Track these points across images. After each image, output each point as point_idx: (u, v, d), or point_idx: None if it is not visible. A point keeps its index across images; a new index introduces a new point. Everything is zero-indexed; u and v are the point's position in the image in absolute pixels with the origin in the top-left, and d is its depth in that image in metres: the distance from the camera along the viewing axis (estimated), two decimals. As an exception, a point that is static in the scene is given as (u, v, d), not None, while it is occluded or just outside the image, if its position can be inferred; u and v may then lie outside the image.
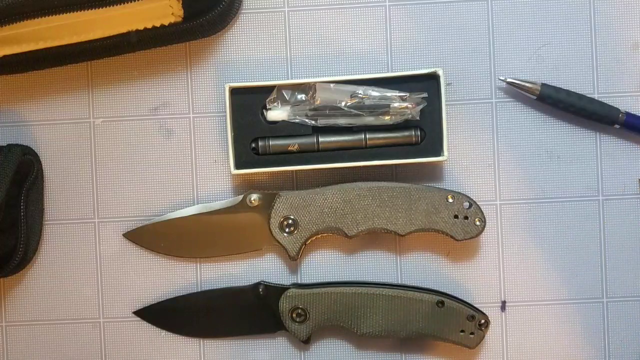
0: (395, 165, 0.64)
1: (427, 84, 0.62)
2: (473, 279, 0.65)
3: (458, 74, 0.65)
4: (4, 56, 0.60)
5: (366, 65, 0.65)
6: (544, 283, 0.65)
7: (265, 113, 0.63)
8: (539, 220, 0.65)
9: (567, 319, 0.65)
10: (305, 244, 0.64)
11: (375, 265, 0.65)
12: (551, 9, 0.65)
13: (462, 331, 0.63)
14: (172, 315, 0.65)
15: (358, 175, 0.64)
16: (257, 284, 0.64)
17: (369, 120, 0.62)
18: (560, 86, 0.63)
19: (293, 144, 0.63)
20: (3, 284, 0.66)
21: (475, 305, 0.64)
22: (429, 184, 0.64)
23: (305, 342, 0.64)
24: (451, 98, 0.64)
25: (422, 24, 0.65)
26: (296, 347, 0.66)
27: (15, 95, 0.66)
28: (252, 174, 0.65)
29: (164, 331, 0.66)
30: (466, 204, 0.62)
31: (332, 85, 0.62)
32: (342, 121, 0.62)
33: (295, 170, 0.65)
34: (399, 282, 0.65)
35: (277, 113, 0.63)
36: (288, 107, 0.63)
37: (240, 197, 0.64)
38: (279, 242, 0.63)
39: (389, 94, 0.62)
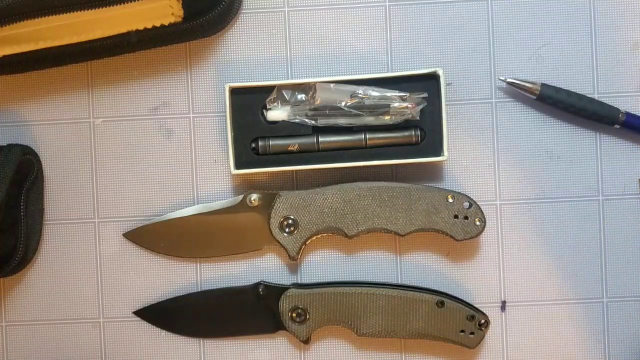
0: (395, 165, 0.64)
1: (427, 84, 0.62)
2: (473, 279, 0.65)
3: (458, 74, 0.65)
4: (4, 56, 0.60)
5: (366, 65, 0.65)
6: (544, 283, 0.65)
7: (265, 113, 0.63)
8: (539, 220, 0.65)
9: (567, 319, 0.65)
10: (305, 244, 0.64)
11: (375, 265, 0.65)
12: (551, 9, 0.65)
13: (462, 331, 0.63)
14: (172, 315, 0.65)
15: (358, 175, 0.64)
16: (257, 284, 0.64)
17: (369, 120, 0.62)
18: (560, 86, 0.63)
19: (293, 144, 0.63)
20: (3, 284, 0.66)
21: (475, 305, 0.64)
22: (429, 184, 0.64)
23: (305, 342, 0.64)
24: (451, 98, 0.64)
25: (422, 24, 0.65)
26: (296, 347, 0.66)
27: (15, 95, 0.66)
28: (252, 174, 0.65)
29: (164, 331, 0.66)
30: (466, 204, 0.62)
31: (332, 85, 0.62)
32: (342, 121, 0.62)
33: (295, 170, 0.65)
34: (399, 282, 0.65)
35: (277, 113, 0.63)
36: (288, 107, 0.63)
37: (240, 197, 0.64)
38: (279, 242, 0.63)
39: (389, 94, 0.62)
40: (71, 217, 0.66)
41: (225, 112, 0.63)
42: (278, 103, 0.63)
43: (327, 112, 0.62)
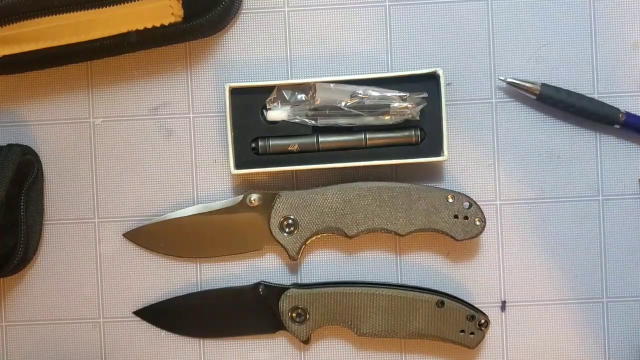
0: (395, 165, 0.64)
1: (427, 84, 0.62)
2: (473, 279, 0.65)
3: (458, 74, 0.65)
4: (4, 56, 0.60)
5: (366, 65, 0.65)
6: (544, 283, 0.65)
7: (265, 113, 0.63)
8: (539, 220, 0.65)
9: (567, 319, 0.65)
10: (305, 244, 0.64)
11: (375, 265, 0.65)
12: (551, 9, 0.65)
13: (462, 331, 0.63)
14: (172, 315, 0.65)
15: (358, 175, 0.64)
16: (257, 284, 0.64)
17: (369, 120, 0.62)
18: (560, 86, 0.63)
19: (293, 144, 0.63)
20: (3, 284, 0.66)
21: (475, 305, 0.64)
22: (429, 184, 0.64)
23: (305, 342, 0.64)
24: (451, 98, 0.64)
25: (422, 24, 0.65)
26: (296, 347, 0.66)
27: (15, 95, 0.66)
28: (252, 174, 0.65)
29: (164, 331, 0.66)
30: (466, 204, 0.62)
31: (332, 85, 0.62)
32: (342, 121, 0.62)
33: (295, 170, 0.65)
34: (399, 282, 0.65)
35: (277, 113, 0.63)
36: (288, 107, 0.63)
37: (240, 197, 0.64)
38: (279, 242, 0.63)
39: (389, 94, 0.62)
40: (71, 217, 0.66)
41: (225, 112, 0.63)
42: (278, 103, 0.63)
43: (327, 112, 0.62)
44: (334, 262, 0.66)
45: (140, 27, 0.60)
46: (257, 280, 0.65)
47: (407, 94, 0.62)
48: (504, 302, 0.65)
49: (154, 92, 0.66)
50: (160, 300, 0.66)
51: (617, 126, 0.64)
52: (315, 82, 0.62)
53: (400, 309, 0.63)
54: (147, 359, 0.66)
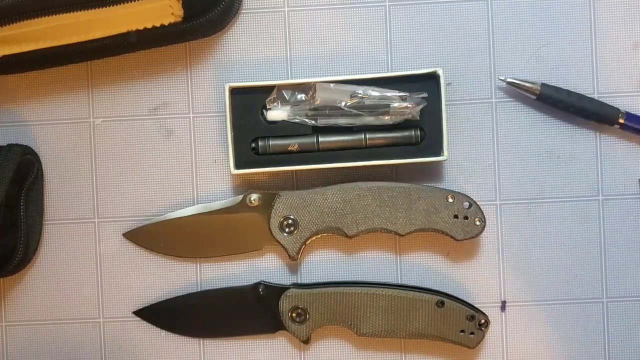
0: (395, 165, 0.64)
1: (427, 84, 0.62)
2: (473, 279, 0.65)
3: (458, 74, 0.65)
4: (4, 56, 0.60)
5: (366, 65, 0.65)
6: (544, 283, 0.65)
7: (265, 113, 0.63)
8: (539, 220, 0.65)
9: (567, 319, 0.65)
10: (305, 244, 0.64)
11: (375, 265, 0.65)
12: (551, 9, 0.65)
13: (462, 331, 0.63)
14: (172, 315, 0.65)
15: (358, 175, 0.64)
16: (257, 284, 0.64)
17: (369, 120, 0.62)
18: (560, 86, 0.63)
19: (293, 144, 0.63)
20: (3, 284, 0.66)
21: (475, 305, 0.64)
22: (429, 184, 0.64)
23: (305, 342, 0.64)
24: (451, 98, 0.64)
25: (422, 24, 0.65)
26: (296, 347, 0.66)
27: (15, 95, 0.66)
28: (252, 174, 0.65)
29: (164, 331, 0.66)
30: (466, 204, 0.62)
31: (332, 85, 0.62)
32: (342, 121, 0.62)
33: (295, 170, 0.65)
34: (399, 282, 0.65)
35: (277, 113, 0.63)
36: (288, 107, 0.63)
37: (240, 197, 0.64)
38: (279, 242, 0.63)
39: (389, 94, 0.62)
40: (71, 217, 0.66)
41: (225, 112, 0.63)
42: (278, 103, 0.63)
43: (327, 112, 0.62)
44: (334, 262, 0.66)
45: (140, 27, 0.60)
46: (257, 280, 0.65)
47: (407, 94, 0.62)
48: (504, 302, 0.65)
49: (154, 92, 0.66)
50: (160, 300, 0.66)
51: (617, 126, 0.64)
52: (315, 82, 0.62)
53: (400, 309, 0.63)
54: (147, 359, 0.66)
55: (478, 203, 0.62)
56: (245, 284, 0.65)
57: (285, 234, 0.63)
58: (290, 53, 0.65)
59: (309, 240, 0.64)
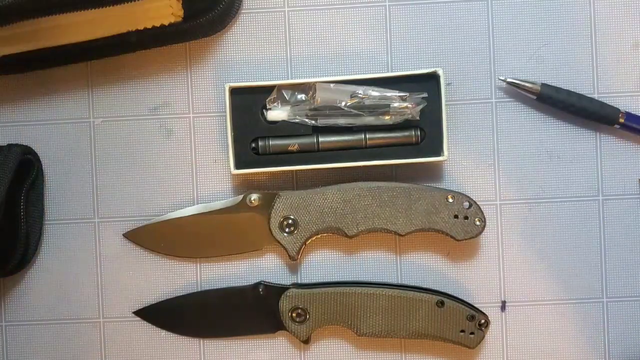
0: (395, 165, 0.64)
1: (427, 84, 0.62)
2: (473, 279, 0.65)
3: (458, 74, 0.65)
4: (4, 56, 0.60)
5: (366, 65, 0.65)
6: (544, 283, 0.65)
7: (265, 113, 0.63)
8: (539, 220, 0.65)
9: (567, 319, 0.65)
10: (305, 244, 0.64)
11: (375, 265, 0.65)
12: (551, 9, 0.65)
13: (462, 331, 0.63)
14: (172, 315, 0.65)
15: (358, 175, 0.64)
16: (257, 284, 0.64)
17: (369, 120, 0.62)
18: (560, 86, 0.63)
19: (293, 144, 0.63)
20: (3, 284, 0.66)
21: (475, 305, 0.64)
22: (429, 184, 0.64)
23: (305, 342, 0.64)
24: (451, 98, 0.64)
25: (422, 24, 0.65)
26: (296, 347, 0.66)
27: (15, 95, 0.66)
28: (252, 174, 0.65)
29: (164, 331, 0.66)
30: (466, 204, 0.62)
31: (332, 85, 0.62)
32: (342, 121, 0.62)
33: (295, 170, 0.65)
34: (399, 282, 0.65)
35: (277, 113, 0.63)
36: (288, 107, 0.63)
37: (240, 197, 0.64)
38: (279, 242, 0.63)
39: (389, 94, 0.62)
40: (71, 217, 0.66)
41: (225, 112, 0.63)
42: (278, 103, 0.63)
43: (327, 112, 0.62)
44: (334, 262, 0.66)
45: (140, 27, 0.60)
46: (257, 280, 0.65)
47: (407, 94, 0.62)
48: (504, 302, 0.65)
49: (154, 92, 0.66)
50: (160, 300, 0.66)
51: (617, 126, 0.64)
52: (315, 82, 0.62)
53: (400, 309, 0.63)
54: (147, 359, 0.66)
55: (478, 203, 0.62)
56: (245, 284, 0.65)
57: (285, 234, 0.63)
58: (290, 53, 0.65)
59: (309, 240, 0.64)
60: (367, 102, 0.62)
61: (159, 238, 0.65)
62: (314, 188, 0.63)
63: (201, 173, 0.66)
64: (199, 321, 0.65)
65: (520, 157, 0.65)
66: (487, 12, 0.65)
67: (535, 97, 0.63)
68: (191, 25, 0.62)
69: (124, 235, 0.66)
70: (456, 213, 0.62)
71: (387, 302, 0.63)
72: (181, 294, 0.65)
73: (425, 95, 0.62)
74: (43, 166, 0.66)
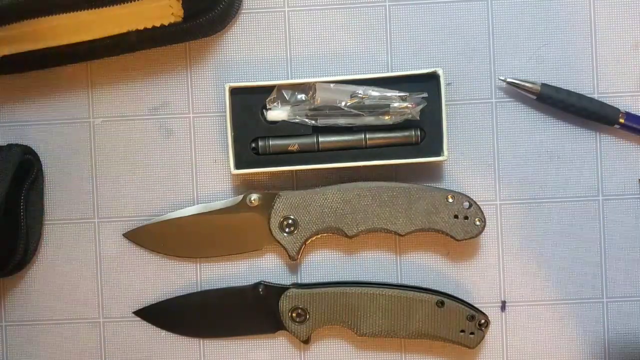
0: (395, 165, 0.64)
1: (427, 84, 0.62)
2: (473, 279, 0.65)
3: (458, 74, 0.65)
4: (4, 56, 0.60)
5: (366, 65, 0.65)
6: (544, 283, 0.65)
7: (265, 113, 0.63)
8: (539, 220, 0.65)
9: (567, 319, 0.65)
10: (305, 244, 0.64)
11: (375, 265, 0.65)
12: (551, 9, 0.65)
13: (462, 331, 0.63)
14: (172, 315, 0.65)
15: (358, 175, 0.64)
16: (257, 284, 0.64)
17: (369, 120, 0.62)
18: (560, 86, 0.63)
19: (293, 144, 0.63)
20: (3, 284, 0.66)
21: (475, 305, 0.64)
22: (429, 184, 0.64)
23: (305, 342, 0.64)
24: (451, 98, 0.64)
25: (422, 24, 0.65)
26: (296, 347, 0.66)
27: (15, 95, 0.66)
28: (252, 174, 0.65)
29: (164, 331, 0.66)
30: (466, 204, 0.62)
31: (332, 85, 0.62)
32: (342, 121, 0.62)
33: (295, 170, 0.65)
34: (399, 282, 0.65)
35: (277, 113, 0.63)
36: (288, 107, 0.63)
37: (240, 197, 0.64)
38: (279, 242, 0.63)
39: (389, 94, 0.62)
40: (71, 217, 0.66)
41: (225, 112, 0.63)
42: (278, 103, 0.63)
43: (327, 112, 0.62)
44: (334, 262, 0.66)
45: (140, 27, 0.60)
46: (257, 280, 0.65)
47: (407, 94, 0.62)
48: (504, 302, 0.65)
49: (154, 92, 0.66)
50: (160, 300, 0.66)
51: (617, 126, 0.64)
52: (315, 82, 0.62)
53: (400, 309, 0.63)
54: (147, 359, 0.66)
55: (478, 203, 0.62)
56: (245, 284, 0.65)
57: (285, 234, 0.63)
58: (290, 53, 0.65)
59: (309, 240, 0.64)
60: (367, 102, 0.62)
61: (159, 238, 0.65)
62: (314, 188, 0.63)
63: (201, 173, 0.66)
64: (199, 321, 0.65)
65: (520, 157, 0.65)
66: (487, 12, 0.65)
67: (535, 97, 0.63)
68: (191, 25, 0.62)
69: (124, 235, 0.66)
70: (456, 213, 0.62)
71: (387, 302, 0.63)
72: (181, 294, 0.65)
73: (425, 95, 0.62)
74: (43, 166, 0.66)
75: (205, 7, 0.62)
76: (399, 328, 0.63)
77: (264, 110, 0.63)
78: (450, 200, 0.62)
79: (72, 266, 0.66)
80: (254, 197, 0.63)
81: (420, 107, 0.62)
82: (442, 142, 0.62)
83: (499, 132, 0.65)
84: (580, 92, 0.63)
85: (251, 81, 0.64)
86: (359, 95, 0.62)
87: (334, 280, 0.65)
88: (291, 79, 0.65)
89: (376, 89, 0.62)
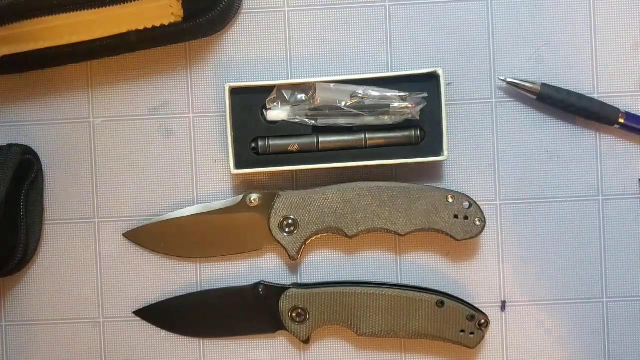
0: (395, 165, 0.64)
1: (427, 84, 0.62)
2: (473, 279, 0.65)
3: (458, 74, 0.65)
4: (4, 56, 0.60)
5: (366, 65, 0.65)
6: (544, 283, 0.65)
7: (265, 113, 0.63)
8: (539, 220, 0.65)
9: (567, 319, 0.65)
10: (305, 244, 0.64)
11: (375, 265, 0.65)
12: (551, 9, 0.65)
13: (462, 331, 0.63)
14: (172, 315, 0.65)
15: (358, 175, 0.64)
16: (257, 284, 0.64)
17: (369, 120, 0.62)
18: (560, 86, 0.63)
19: (293, 144, 0.63)
20: (3, 284, 0.66)
21: (475, 305, 0.64)
22: (429, 184, 0.64)
23: (305, 342, 0.64)
24: (451, 98, 0.64)
25: (422, 24, 0.65)
26: (296, 347, 0.66)
27: (15, 95, 0.66)
28: (252, 174, 0.65)
29: (164, 331, 0.66)
30: (466, 204, 0.62)
31: (332, 85, 0.62)
32: (342, 121, 0.62)
33: (295, 170, 0.65)
34: (399, 282, 0.65)
35: (277, 113, 0.63)
36: (288, 107, 0.63)
37: (240, 197, 0.64)
38: (278, 242, 0.63)
39: (389, 94, 0.62)
40: (71, 217, 0.66)
41: (225, 112, 0.63)
42: (278, 103, 0.63)
43: (327, 112, 0.62)
44: (334, 262, 0.66)
45: (140, 27, 0.60)
46: (257, 280, 0.65)
47: (407, 94, 0.62)
48: (504, 302, 0.65)
49: (154, 92, 0.66)
50: (160, 300, 0.66)
51: (617, 126, 0.64)
52: (315, 82, 0.62)
53: (400, 309, 0.63)
54: (147, 359, 0.66)
55: (478, 203, 0.62)
56: (245, 284, 0.65)
57: (285, 234, 0.63)
58: (290, 53, 0.65)
59: (309, 240, 0.64)
60: (367, 102, 0.62)
61: (159, 238, 0.65)
62: (314, 188, 0.63)
63: (201, 173, 0.66)
64: (198, 321, 0.65)
65: (520, 157, 0.65)
66: (487, 12, 0.65)
67: (535, 97, 0.63)
68: (191, 25, 0.62)
69: (124, 235, 0.66)
70: (456, 213, 0.62)
71: (387, 302, 0.63)
72: (181, 294, 0.65)
73: (425, 95, 0.62)
74: (43, 166, 0.66)
75: (205, 7, 0.62)
76: (399, 328, 0.63)
77: (264, 110, 0.63)
78: (450, 200, 0.62)
79: (72, 266, 0.66)
80: (254, 197, 0.63)
81: (420, 107, 0.62)
82: (442, 142, 0.62)
83: (499, 132, 0.65)
84: (580, 92, 0.63)
85: (251, 81, 0.64)
86: (359, 95, 0.62)
87: (334, 280, 0.65)
88: (291, 79, 0.65)
89: (376, 89, 0.62)
